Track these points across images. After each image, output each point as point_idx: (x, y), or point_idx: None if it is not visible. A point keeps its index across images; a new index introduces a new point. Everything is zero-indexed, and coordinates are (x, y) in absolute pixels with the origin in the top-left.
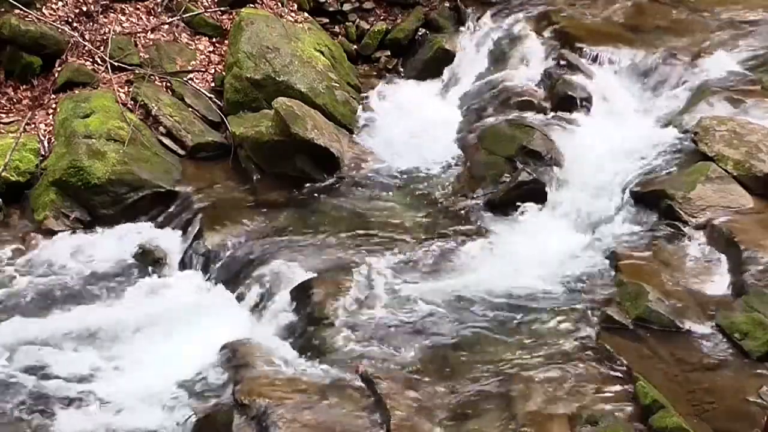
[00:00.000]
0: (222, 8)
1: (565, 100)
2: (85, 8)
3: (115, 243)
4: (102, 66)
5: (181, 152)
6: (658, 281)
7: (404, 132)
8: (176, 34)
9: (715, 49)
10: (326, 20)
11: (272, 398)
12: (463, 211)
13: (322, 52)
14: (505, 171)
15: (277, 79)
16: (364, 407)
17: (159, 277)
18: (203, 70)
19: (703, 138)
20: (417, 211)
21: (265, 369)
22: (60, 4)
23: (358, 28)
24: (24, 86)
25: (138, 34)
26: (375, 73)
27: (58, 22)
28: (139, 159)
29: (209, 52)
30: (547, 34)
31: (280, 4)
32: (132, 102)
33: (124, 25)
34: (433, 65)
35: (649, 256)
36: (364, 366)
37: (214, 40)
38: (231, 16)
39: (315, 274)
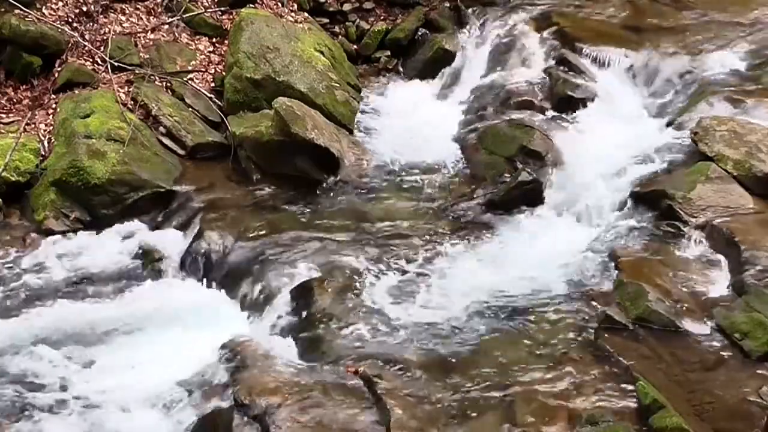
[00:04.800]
0: (222, 8)
1: (565, 100)
2: (85, 8)
3: (115, 243)
4: (102, 66)
5: (181, 152)
6: (658, 281)
7: (404, 132)
8: (176, 34)
9: (715, 49)
10: (326, 20)
11: (272, 398)
12: (463, 211)
13: (322, 52)
14: (505, 171)
15: (277, 79)
16: (364, 407)
17: (159, 277)
18: (203, 70)
19: (703, 138)
20: (417, 211)
21: (265, 369)
22: (60, 4)
23: (358, 28)
24: (24, 86)
25: (138, 34)
26: (375, 73)
27: (58, 22)
28: (139, 159)
29: (209, 52)
30: (547, 34)
31: (280, 4)
32: (132, 102)
33: (124, 25)
34: (433, 65)
35: (649, 256)
36: (363, 366)
37: (214, 40)
38: (231, 16)
39: (315, 274)
